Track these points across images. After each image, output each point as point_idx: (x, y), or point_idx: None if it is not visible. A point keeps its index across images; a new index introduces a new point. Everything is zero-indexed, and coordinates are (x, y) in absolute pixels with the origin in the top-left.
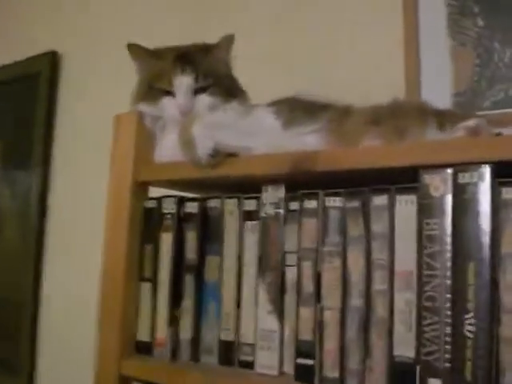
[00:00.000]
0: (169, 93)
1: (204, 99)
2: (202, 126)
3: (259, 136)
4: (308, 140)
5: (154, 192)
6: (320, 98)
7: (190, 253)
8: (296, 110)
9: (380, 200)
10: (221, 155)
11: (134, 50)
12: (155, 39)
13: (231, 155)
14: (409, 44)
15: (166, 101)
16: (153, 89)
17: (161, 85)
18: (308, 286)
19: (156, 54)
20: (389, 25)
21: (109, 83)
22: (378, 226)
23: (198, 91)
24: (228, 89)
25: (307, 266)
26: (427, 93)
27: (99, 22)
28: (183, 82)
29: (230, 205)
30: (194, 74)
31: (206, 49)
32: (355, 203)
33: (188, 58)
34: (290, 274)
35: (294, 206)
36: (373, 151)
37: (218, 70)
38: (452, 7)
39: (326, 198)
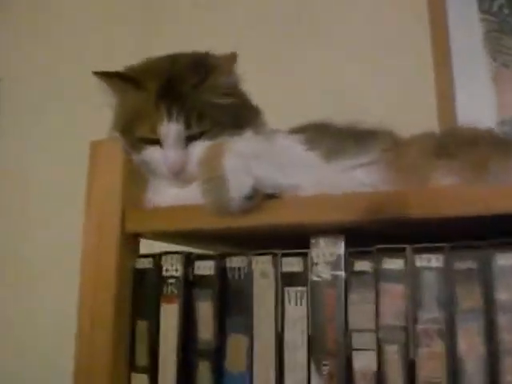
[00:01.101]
0: (154, 141)
1: (199, 149)
2: (235, 156)
3: (303, 170)
4: (359, 175)
5: (148, 246)
6: (353, 124)
7: (205, 331)
8: (334, 138)
9: (507, 258)
10: (259, 197)
11: (106, 79)
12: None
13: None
14: (439, 66)
15: (151, 152)
16: (132, 135)
17: (142, 133)
18: (395, 380)
19: (133, 82)
20: (416, 44)
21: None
22: (506, 295)
23: (191, 138)
24: (236, 121)
25: (392, 352)
26: (464, 121)
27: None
28: (170, 130)
29: (263, 264)
30: (185, 117)
31: (200, 73)
32: (468, 263)
33: (175, 92)
34: (361, 361)
35: (363, 266)
36: (494, 191)
37: (219, 103)
38: (489, 23)
39: (417, 256)
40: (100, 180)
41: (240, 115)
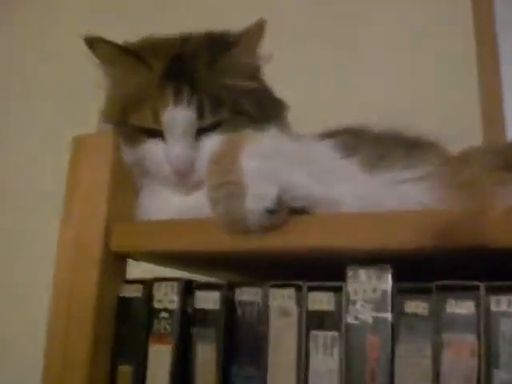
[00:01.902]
0: (155, 132)
1: (214, 143)
2: (257, 155)
3: (343, 181)
4: (408, 191)
5: (137, 269)
6: (393, 131)
7: (204, 382)
8: (376, 146)
9: None
10: (284, 211)
11: (100, 47)
12: None
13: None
14: (485, 68)
15: (151, 147)
16: (127, 124)
17: (140, 121)
18: None
19: (134, 56)
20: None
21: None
22: None
23: (203, 130)
24: (259, 112)
25: None
26: None
27: None
28: (178, 118)
29: (283, 299)
30: (197, 102)
31: (216, 48)
32: None
33: (185, 71)
34: None
35: (417, 307)
36: None
37: (240, 87)
38: None
39: (493, 298)
40: (82, 185)
41: (263, 106)
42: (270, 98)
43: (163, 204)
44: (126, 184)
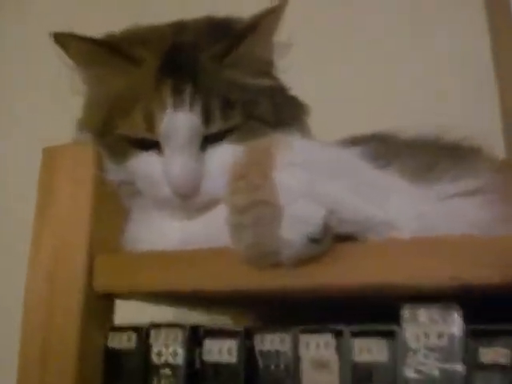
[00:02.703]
0: (149, 143)
1: (225, 154)
2: (296, 168)
3: (395, 198)
4: (459, 207)
5: (126, 308)
6: (430, 137)
7: None
8: (417, 154)
9: None
10: (329, 239)
11: (74, 46)
12: None
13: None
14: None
15: (144, 162)
16: (113, 134)
17: (130, 130)
18: None
19: (118, 51)
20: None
21: None
22: None
23: (210, 138)
24: (274, 115)
25: None
26: None
27: None
28: (179, 125)
29: (319, 348)
30: (203, 104)
31: (224, 35)
32: None
33: (186, 64)
34: None
35: (496, 355)
36: None
37: (253, 85)
38: None
39: None
40: (55, 207)
41: (280, 108)
42: (286, 98)
43: (160, 232)
44: (110, 206)
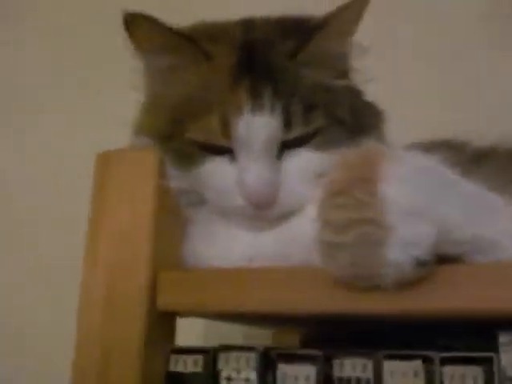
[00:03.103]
0: (221, 149)
1: (304, 162)
2: (407, 183)
3: (496, 215)
4: None
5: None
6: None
7: None
8: (493, 166)
9: None
10: (433, 262)
11: (143, 28)
12: None
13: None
14: None
15: (215, 170)
16: (182, 138)
17: (203, 135)
18: None
19: (193, 43)
20: None
21: None
22: None
23: (288, 145)
24: (353, 120)
25: None
26: None
27: None
28: (257, 130)
29: (405, 376)
30: (284, 107)
31: (300, 32)
32: None
33: (261, 62)
34: None
35: None
36: None
37: (332, 86)
38: None
39: None
40: (113, 220)
41: (358, 112)
42: (364, 104)
43: (224, 246)
44: (172, 218)
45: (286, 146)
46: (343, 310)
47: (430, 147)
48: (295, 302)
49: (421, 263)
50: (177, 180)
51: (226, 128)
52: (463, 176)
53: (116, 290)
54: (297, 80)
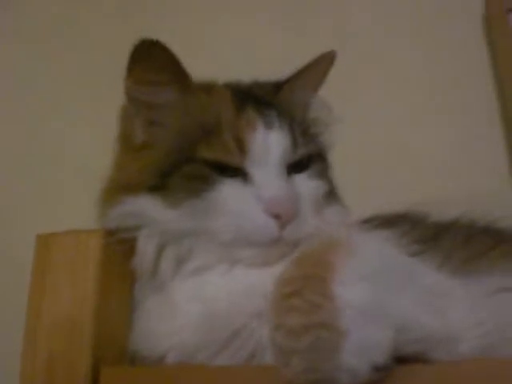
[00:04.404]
0: (233, 171)
1: (309, 188)
2: (361, 281)
3: (451, 303)
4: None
5: None
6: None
7: None
8: (454, 240)
9: None
10: (391, 363)
11: (158, 57)
12: None
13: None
14: None
15: (230, 191)
16: (193, 160)
17: (218, 153)
18: None
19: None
20: None
21: None
22: None
23: (292, 169)
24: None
25: None
26: None
27: None
28: (273, 144)
29: None
30: (289, 126)
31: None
32: None
33: (257, 96)
34: None
35: None
36: None
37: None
38: None
39: None
40: (53, 308)
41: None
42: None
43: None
44: (119, 304)
45: (292, 168)
46: None
47: (390, 221)
48: None
49: (378, 367)
50: (178, 220)
51: (241, 144)
52: (421, 253)
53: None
54: (287, 110)
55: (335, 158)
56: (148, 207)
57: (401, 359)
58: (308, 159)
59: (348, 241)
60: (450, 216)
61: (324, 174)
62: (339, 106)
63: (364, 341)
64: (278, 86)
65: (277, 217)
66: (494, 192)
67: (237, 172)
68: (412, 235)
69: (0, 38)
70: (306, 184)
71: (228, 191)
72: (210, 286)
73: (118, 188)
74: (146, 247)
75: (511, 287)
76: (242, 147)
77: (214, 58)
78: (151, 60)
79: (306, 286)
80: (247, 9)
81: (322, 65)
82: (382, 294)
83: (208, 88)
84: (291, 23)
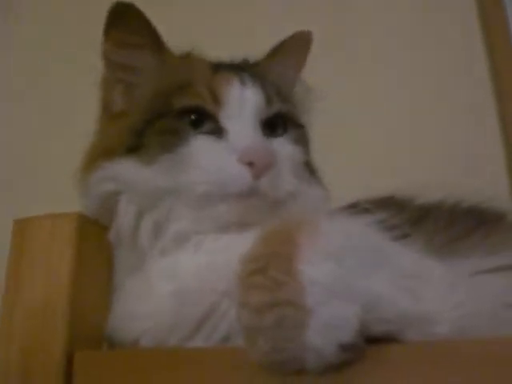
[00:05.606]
0: (209, 127)
1: (286, 149)
2: (327, 258)
3: (427, 283)
4: (493, 284)
5: None
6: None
7: None
8: (439, 223)
9: None
10: (362, 344)
11: (132, 19)
12: None
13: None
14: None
15: (204, 145)
16: (169, 112)
17: (192, 100)
18: None
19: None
20: None
21: None
22: None
23: (268, 128)
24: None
25: None
26: None
27: None
28: (247, 97)
29: None
30: (261, 85)
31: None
32: None
33: (232, 64)
34: None
35: None
36: None
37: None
38: None
39: None
40: (28, 294)
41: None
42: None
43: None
44: (94, 288)
45: (268, 130)
46: None
47: (373, 205)
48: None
49: (345, 347)
50: (155, 178)
51: (216, 96)
52: (402, 238)
53: (31, 369)
54: (263, 75)
55: (335, 157)
56: (125, 169)
57: (374, 340)
58: (284, 122)
59: (317, 220)
60: (436, 197)
61: (302, 142)
62: (339, 105)
63: (330, 319)
64: (255, 63)
65: (250, 165)
66: (493, 193)
67: (211, 127)
68: (393, 220)
69: (1, 39)
70: (284, 147)
71: (202, 145)
72: (181, 264)
73: (97, 154)
74: (125, 215)
75: (491, 268)
76: (216, 99)
77: (214, 46)
78: (127, 22)
79: (271, 263)
80: None
81: (298, 43)
82: (349, 273)
83: (184, 54)
84: (290, 15)
